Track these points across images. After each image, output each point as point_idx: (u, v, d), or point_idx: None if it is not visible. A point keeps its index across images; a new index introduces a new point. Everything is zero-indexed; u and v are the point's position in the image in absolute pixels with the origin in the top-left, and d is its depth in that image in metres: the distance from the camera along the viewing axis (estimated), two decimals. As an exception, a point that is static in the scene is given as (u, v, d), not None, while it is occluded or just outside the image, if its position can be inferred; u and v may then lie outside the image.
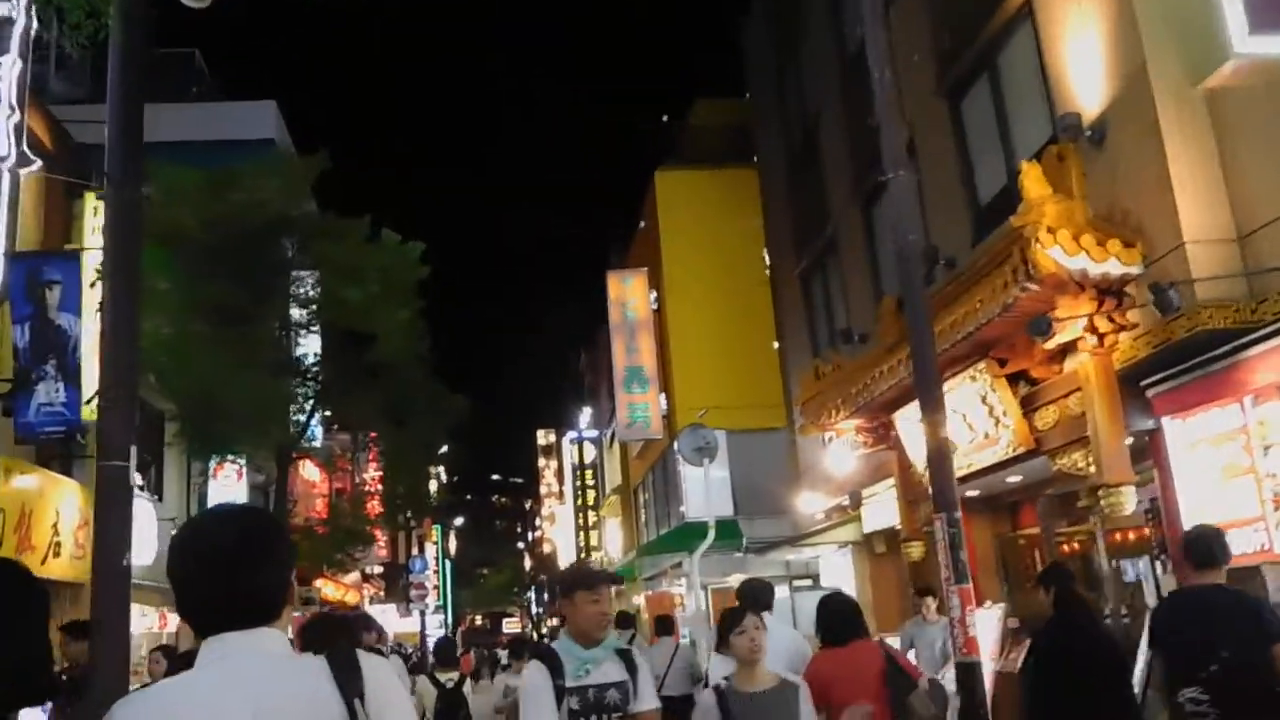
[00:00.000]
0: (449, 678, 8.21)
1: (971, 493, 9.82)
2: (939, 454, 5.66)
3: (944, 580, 5.56)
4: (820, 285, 13.25)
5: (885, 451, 10.67)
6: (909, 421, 9.42)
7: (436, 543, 49.61)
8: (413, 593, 25.18)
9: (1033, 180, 6.70)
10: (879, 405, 9.78)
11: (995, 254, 7.66)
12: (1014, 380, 7.95)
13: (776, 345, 15.35)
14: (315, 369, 11.86)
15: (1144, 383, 6.88)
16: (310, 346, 12.42)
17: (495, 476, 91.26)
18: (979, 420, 8.26)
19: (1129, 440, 6.90)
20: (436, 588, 47.53)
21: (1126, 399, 6.89)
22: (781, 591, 19.46)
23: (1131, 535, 8.30)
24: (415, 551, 28.41)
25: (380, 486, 12.51)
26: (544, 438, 55.70)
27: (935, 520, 5.59)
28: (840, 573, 13.97)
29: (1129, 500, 6.78)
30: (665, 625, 9.61)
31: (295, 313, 11.31)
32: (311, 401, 11.76)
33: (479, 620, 68.05)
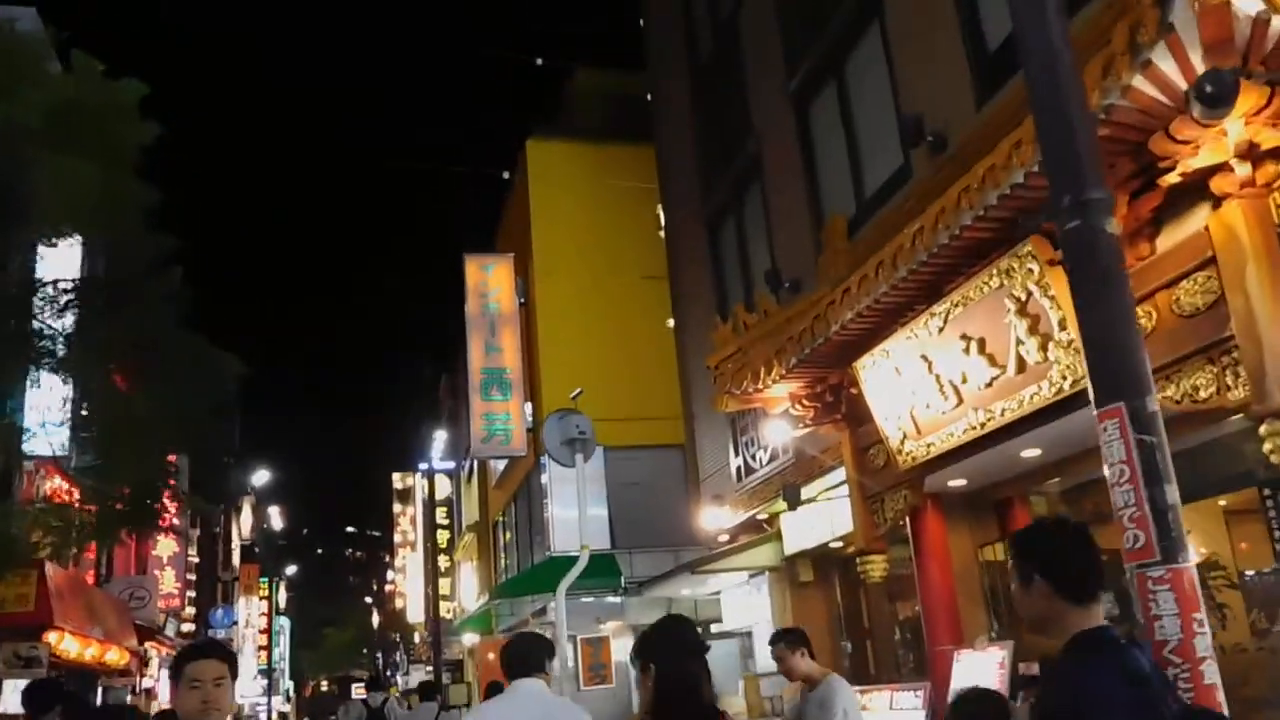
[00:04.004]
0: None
1: (955, 481, 6.91)
2: (1111, 293, 2.58)
3: (1130, 554, 2.44)
4: (734, 230, 10.30)
5: (831, 429, 7.65)
6: (884, 369, 6.43)
7: (266, 596, 43.82)
8: (214, 652, 20.42)
9: None
10: (830, 354, 6.78)
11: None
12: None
13: (671, 323, 12.26)
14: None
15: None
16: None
17: (350, 529, 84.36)
18: (1008, 344, 5.32)
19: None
20: (263, 648, 41.66)
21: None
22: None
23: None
24: (223, 602, 23.46)
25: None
26: (400, 481, 51.06)
27: (1106, 421, 2.48)
28: (750, 610, 10.79)
29: (1319, 438, 3.91)
30: (428, 690, 10.04)
31: None
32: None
33: (325, 685, 61.65)
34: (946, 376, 5.79)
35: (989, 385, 5.49)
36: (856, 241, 7.47)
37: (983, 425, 5.64)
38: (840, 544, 8.75)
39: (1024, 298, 5.07)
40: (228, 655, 2.78)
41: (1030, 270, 4.96)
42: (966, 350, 5.56)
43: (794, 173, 8.80)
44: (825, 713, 4.29)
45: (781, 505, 9.34)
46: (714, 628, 14.29)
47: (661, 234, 12.72)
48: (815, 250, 8.21)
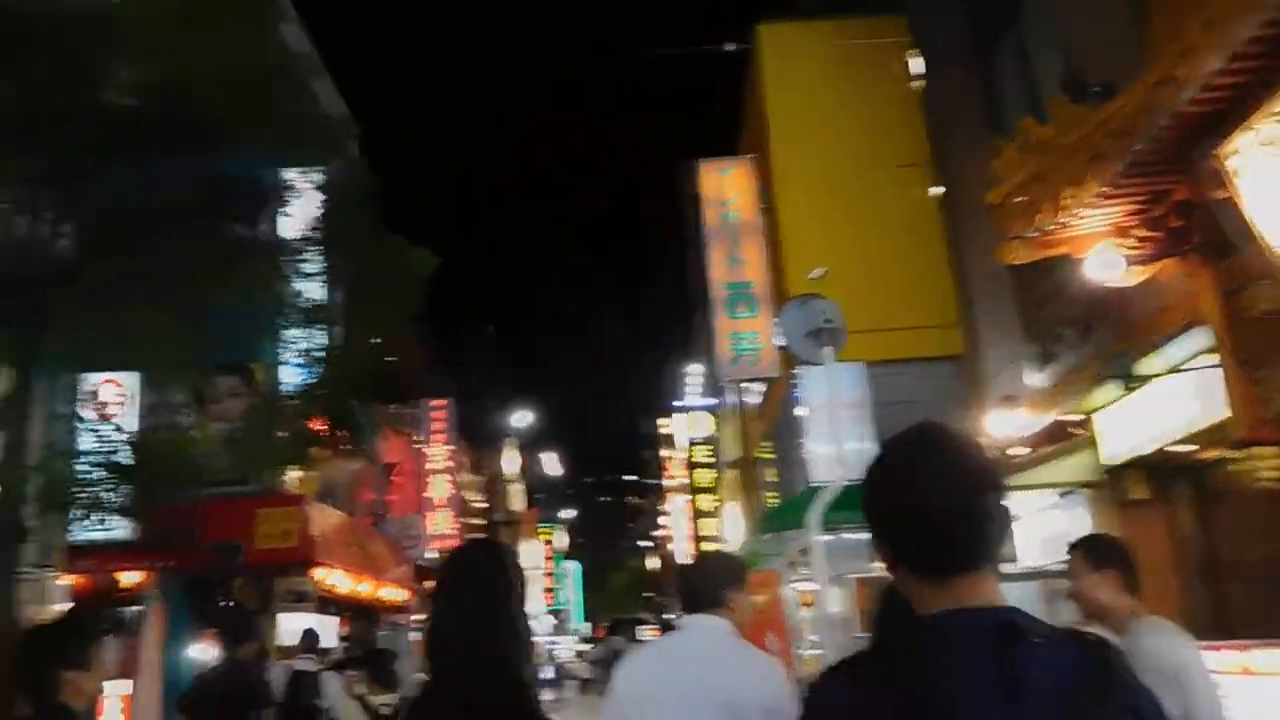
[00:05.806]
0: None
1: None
2: None
3: None
4: (1013, 48, 7.95)
5: (1177, 271, 5.35)
6: (1275, 148, 4.11)
7: (548, 540, 45.93)
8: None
9: None
10: (1180, 143, 4.53)
11: None
12: None
13: (937, 191, 10.05)
14: None
15: None
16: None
17: (631, 477, 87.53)
18: None
19: None
20: (548, 590, 43.78)
21: None
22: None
23: None
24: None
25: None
26: (666, 426, 51.56)
27: None
28: (1058, 541, 8.50)
29: None
30: (616, 628, 8.81)
31: None
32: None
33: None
34: None
35: None
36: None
37: None
38: (1192, 445, 6.33)
39: None
40: None
41: None
42: None
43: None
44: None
45: (1096, 400, 7.04)
46: (1009, 568, 12.00)
47: (913, 85, 10.46)
48: (1134, 33, 5.82)
